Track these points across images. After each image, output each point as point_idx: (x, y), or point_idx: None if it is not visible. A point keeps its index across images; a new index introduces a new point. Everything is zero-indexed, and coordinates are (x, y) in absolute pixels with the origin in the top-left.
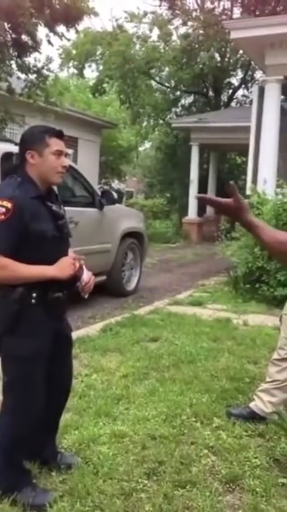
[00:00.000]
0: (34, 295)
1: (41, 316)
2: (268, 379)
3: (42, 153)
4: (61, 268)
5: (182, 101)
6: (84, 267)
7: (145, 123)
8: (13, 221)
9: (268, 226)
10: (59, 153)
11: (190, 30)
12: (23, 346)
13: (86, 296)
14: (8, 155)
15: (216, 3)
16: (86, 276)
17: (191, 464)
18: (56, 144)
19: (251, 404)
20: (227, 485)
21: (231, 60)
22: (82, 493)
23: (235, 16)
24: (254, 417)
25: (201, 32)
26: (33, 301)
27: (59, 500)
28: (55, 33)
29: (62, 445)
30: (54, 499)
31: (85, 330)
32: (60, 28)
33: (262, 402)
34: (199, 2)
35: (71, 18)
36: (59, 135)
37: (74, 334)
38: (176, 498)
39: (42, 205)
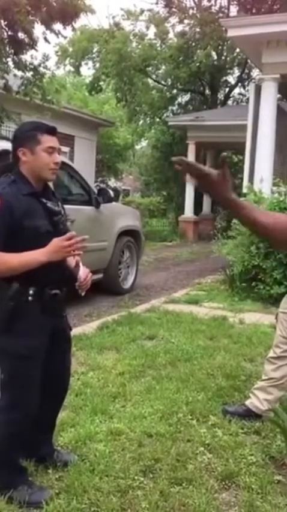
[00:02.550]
0: (31, 292)
1: (38, 314)
2: (264, 377)
3: (34, 151)
4: (52, 251)
5: (179, 99)
6: (81, 264)
7: (141, 121)
8: (2, 217)
9: (257, 208)
10: (51, 150)
11: (187, 28)
12: (19, 344)
13: (83, 293)
14: (3, 153)
15: (213, 1)
16: (83, 273)
17: (187, 461)
18: (47, 140)
19: (247, 402)
20: (223, 483)
21: (228, 59)
22: (78, 490)
23: (231, 14)
24: (249, 415)
25: (198, 30)
26: (29, 298)
27: (56, 497)
28: (52, 30)
29: (59, 442)
30: (51, 496)
31: (81, 327)
32: (57, 26)
33: (257, 400)
34: (196, 0)
35: (67, 15)
36: (52, 131)
37: (71, 332)
38: (172, 495)
39: (37, 202)
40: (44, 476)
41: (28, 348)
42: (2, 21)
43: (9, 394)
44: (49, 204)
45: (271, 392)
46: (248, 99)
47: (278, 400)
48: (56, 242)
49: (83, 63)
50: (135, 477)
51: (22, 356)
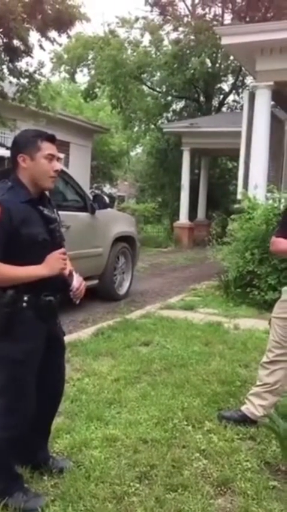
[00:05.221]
0: (25, 298)
1: (33, 320)
2: (258, 383)
3: (34, 157)
4: (49, 265)
5: (174, 106)
6: (74, 273)
7: (136, 128)
8: (1, 225)
9: None
10: (51, 157)
11: (181, 36)
12: (14, 350)
13: (78, 302)
14: None
15: (207, 9)
16: (77, 282)
17: (183, 467)
18: (48, 148)
19: (243, 408)
20: (219, 489)
21: (222, 66)
22: (74, 497)
23: (225, 22)
24: (245, 420)
25: (192, 37)
26: (24, 304)
27: (51, 504)
28: (47, 38)
29: (54, 449)
30: (46, 503)
31: (77, 334)
32: (52, 33)
33: (253, 406)
34: (190, 8)
35: (62, 23)
36: (52, 139)
37: (66, 338)
38: (168, 501)
39: (34, 209)
40: (39, 483)
41: (24, 352)
42: None
43: (6, 399)
44: (46, 212)
45: (265, 397)
46: (242, 106)
47: (273, 405)
48: (53, 256)
49: (78, 70)
50: (131, 483)
51: (18, 360)
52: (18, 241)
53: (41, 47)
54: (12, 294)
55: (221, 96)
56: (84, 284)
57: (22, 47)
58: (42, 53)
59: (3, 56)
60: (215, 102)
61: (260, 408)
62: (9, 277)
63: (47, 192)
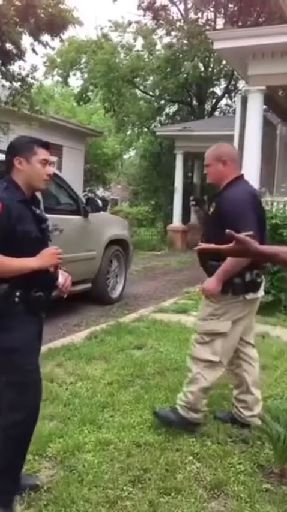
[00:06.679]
0: (18, 293)
1: (24, 314)
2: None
3: (30, 160)
4: (42, 259)
5: (167, 110)
6: (59, 269)
7: (129, 132)
8: (1, 221)
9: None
10: (45, 162)
11: (174, 40)
12: (12, 338)
13: (65, 296)
14: None
15: (199, 14)
16: (62, 278)
17: (176, 471)
18: (42, 153)
19: (233, 411)
20: (212, 492)
21: (214, 70)
22: (67, 501)
23: (218, 27)
24: (235, 423)
25: (185, 42)
26: (16, 299)
27: (44, 509)
28: (40, 41)
29: (47, 453)
30: (39, 508)
31: (70, 337)
32: (45, 37)
33: (237, 409)
34: (183, 12)
35: (55, 27)
36: (46, 145)
37: (59, 342)
38: (161, 505)
39: (27, 209)
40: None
41: (20, 340)
42: None
43: (12, 393)
44: (38, 212)
45: (243, 399)
46: (234, 110)
47: (256, 402)
48: (48, 250)
49: (71, 73)
50: (124, 487)
51: (15, 349)
52: (13, 237)
53: (33, 50)
54: (6, 289)
55: (214, 100)
56: (70, 279)
57: (15, 51)
58: (35, 56)
59: None
60: (207, 106)
61: (243, 410)
62: (5, 268)
63: (39, 196)
